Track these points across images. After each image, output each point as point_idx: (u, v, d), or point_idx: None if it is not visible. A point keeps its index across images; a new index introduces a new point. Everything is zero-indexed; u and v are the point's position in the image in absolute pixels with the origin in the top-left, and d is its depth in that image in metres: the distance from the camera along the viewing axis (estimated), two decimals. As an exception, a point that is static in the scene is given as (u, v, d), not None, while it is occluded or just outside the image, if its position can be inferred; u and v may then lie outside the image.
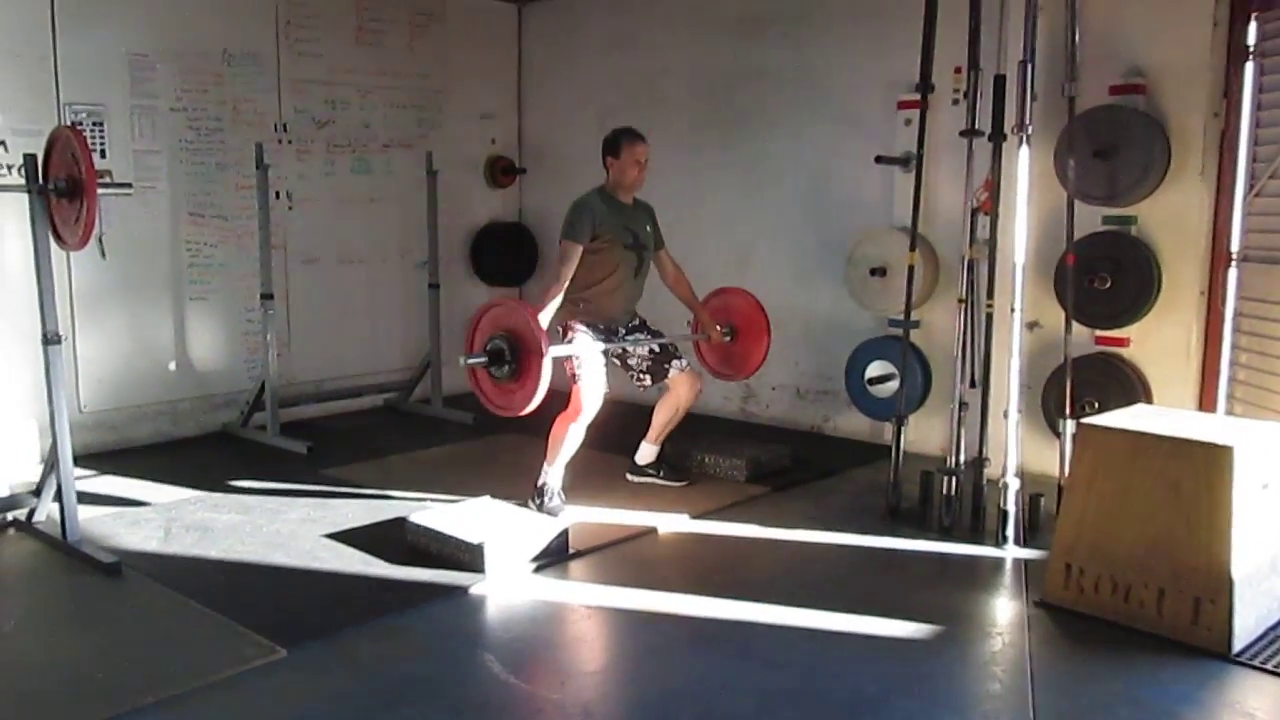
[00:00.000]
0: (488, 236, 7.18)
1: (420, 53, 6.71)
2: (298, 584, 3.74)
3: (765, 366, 4.84)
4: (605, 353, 4.53)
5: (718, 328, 4.89)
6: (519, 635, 3.43)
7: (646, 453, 4.95)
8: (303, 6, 6.11)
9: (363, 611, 3.47)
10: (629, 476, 4.96)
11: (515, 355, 4.00)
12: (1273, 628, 3.34)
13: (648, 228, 4.70)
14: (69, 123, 5.15)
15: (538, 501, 4.45)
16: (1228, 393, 4.66)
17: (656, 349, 4.74)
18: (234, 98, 5.87)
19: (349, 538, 4.16)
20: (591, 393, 4.42)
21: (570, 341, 4.47)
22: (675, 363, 4.75)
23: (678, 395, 4.79)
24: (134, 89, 5.47)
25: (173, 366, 5.78)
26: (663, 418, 4.87)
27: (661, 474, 4.93)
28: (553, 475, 4.49)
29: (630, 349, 4.70)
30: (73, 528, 3.98)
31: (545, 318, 4.18)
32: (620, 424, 4.96)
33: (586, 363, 4.44)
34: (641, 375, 4.78)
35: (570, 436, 4.44)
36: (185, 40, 5.65)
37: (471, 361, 4.08)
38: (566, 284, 4.39)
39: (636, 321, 4.75)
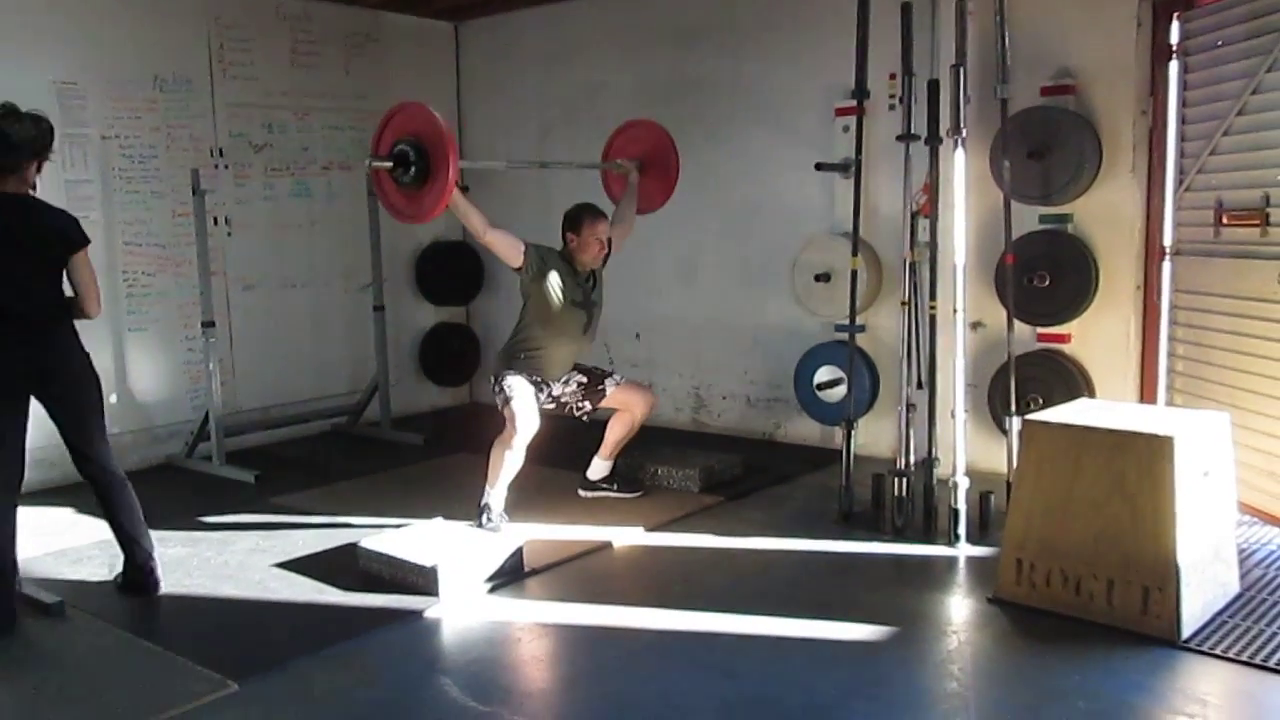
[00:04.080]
0: (431, 256, 7.12)
1: (357, 74, 6.65)
2: (248, 615, 3.68)
3: (716, 375, 4.82)
4: (535, 396, 4.50)
5: (626, 162, 4.96)
6: (476, 657, 3.39)
7: (599, 468, 4.92)
8: (235, 29, 6.03)
9: (315, 641, 3.41)
10: (581, 493, 4.92)
11: (421, 158, 3.99)
12: (1219, 613, 3.40)
13: (599, 292, 4.71)
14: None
15: (478, 522, 4.39)
16: (1167, 384, 4.76)
17: (584, 379, 4.72)
18: (168, 124, 5.78)
19: (300, 566, 4.09)
20: (524, 415, 4.36)
21: (500, 389, 4.46)
22: (609, 380, 4.73)
23: (633, 415, 4.77)
24: (64, 118, 5.33)
25: (113, 399, 5.65)
26: (617, 434, 4.82)
27: (615, 487, 4.91)
28: (494, 497, 4.43)
29: (559, 390, 4.68)
30: (12, 569, 3.86)
31: (460, 202, 4.19)
32: (568, 439, 4.94)
33: (517, 388, 4.42)
34: (580, 404, 4.73)
35: (508, 460, 4.37)
36: (115, 67, 5.55)
37: (377, 164, 4.09)
38: (478, 224, 4.29)
39: (568, 375, 4.72)
